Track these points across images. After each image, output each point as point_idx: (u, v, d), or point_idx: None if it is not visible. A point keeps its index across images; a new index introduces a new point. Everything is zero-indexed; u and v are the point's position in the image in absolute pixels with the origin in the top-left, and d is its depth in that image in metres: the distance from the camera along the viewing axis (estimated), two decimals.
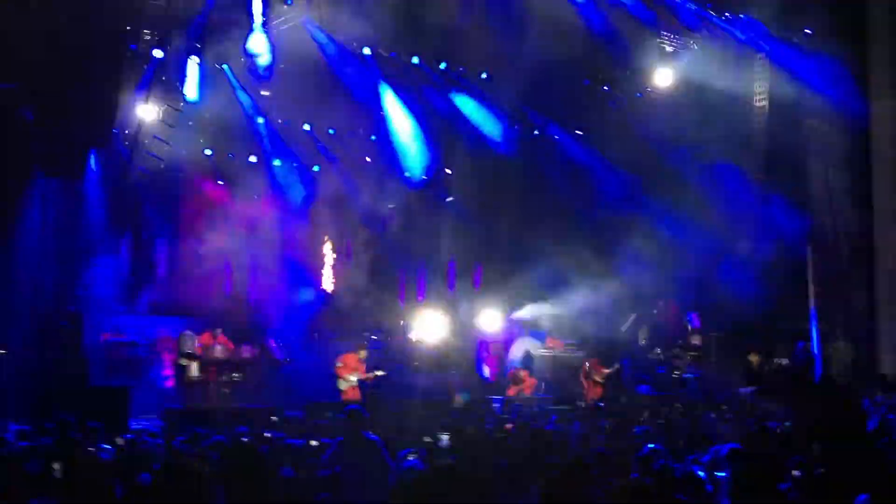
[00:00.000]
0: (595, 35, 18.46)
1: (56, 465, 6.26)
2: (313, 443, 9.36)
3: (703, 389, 17.55)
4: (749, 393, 16.33)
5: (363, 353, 17.02)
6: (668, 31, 19.28)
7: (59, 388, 13.53)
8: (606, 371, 18.10)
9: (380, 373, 16.95)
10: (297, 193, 20.76)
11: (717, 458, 7.62)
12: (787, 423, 10.19)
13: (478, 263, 21.69)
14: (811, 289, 19.01)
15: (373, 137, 21.06)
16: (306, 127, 20.09)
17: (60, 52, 14.87)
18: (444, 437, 9.19)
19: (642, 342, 19.69)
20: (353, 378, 16.57)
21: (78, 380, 14.30)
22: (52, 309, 15.40)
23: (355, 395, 16.30)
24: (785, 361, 17.91)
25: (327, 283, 21.08)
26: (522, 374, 18.13)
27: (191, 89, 17.70)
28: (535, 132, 21.61)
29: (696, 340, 18.99)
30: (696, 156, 19.58)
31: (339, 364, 16.71)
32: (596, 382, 18.05)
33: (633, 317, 18.82)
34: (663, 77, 19.68)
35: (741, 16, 18.82)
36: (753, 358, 17.94)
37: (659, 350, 19.17)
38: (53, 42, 14.75)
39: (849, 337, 18.18)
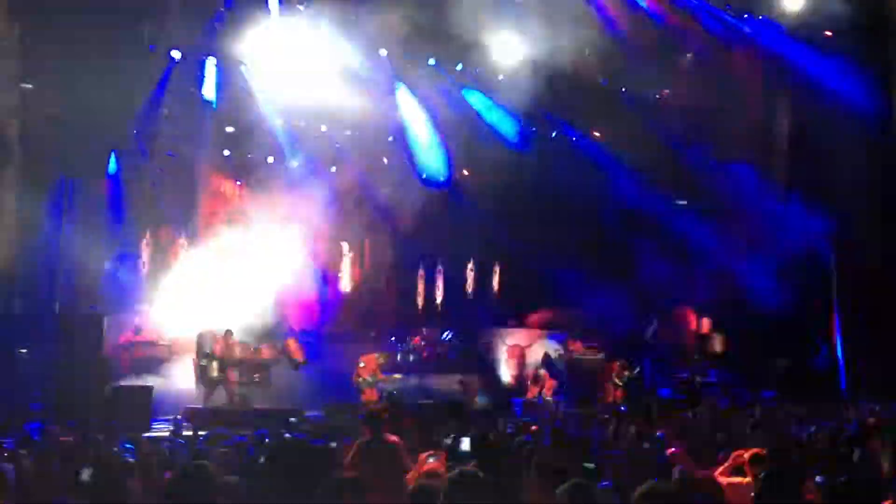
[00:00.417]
0: (613, 36, 18.40)
1: (86, 471, 6.27)
2: (333, 444, 9.35)
3: (725, 393, 17.47)
4: None
5: (382, 359, 17.09)
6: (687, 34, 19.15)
7: (81, 388, 13.58)
8: (627, 374, 18.02)
9: (397, 376, 16.90)
10: (313, 194, 20.76)
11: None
12: (812, 429, 10.12)
13: (496, 264, 21.63)
14: (834, 290, 18.86)
15: (390, 138, 21.05)
16: (323, 128, 20.09)
17: (81, 53, 15.00)
18: (465, 440, 9.15)
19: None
20: (371, 379, 16.62)
21: (99, 380, 14.37)
22: (73, 309, 15.50)
23: (373, 395, 16.34)
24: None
25: (345, 283, 21.10)
26: (543, 374, 18.11)
27: (209, 90, 17.76)
28: (553, 133, 21.55)
29: (717, 347, 18.72)
30: (715, 155, 19.50)
31: (361, 364, 16.80)
32: (616, 385, 17.98)
33: (655, 322, 18.64)
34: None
35: (761, 17, 18.72)
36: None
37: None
38: (73, 43, 14.88)
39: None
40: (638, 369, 18.20)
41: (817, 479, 6.93)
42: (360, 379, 16.58)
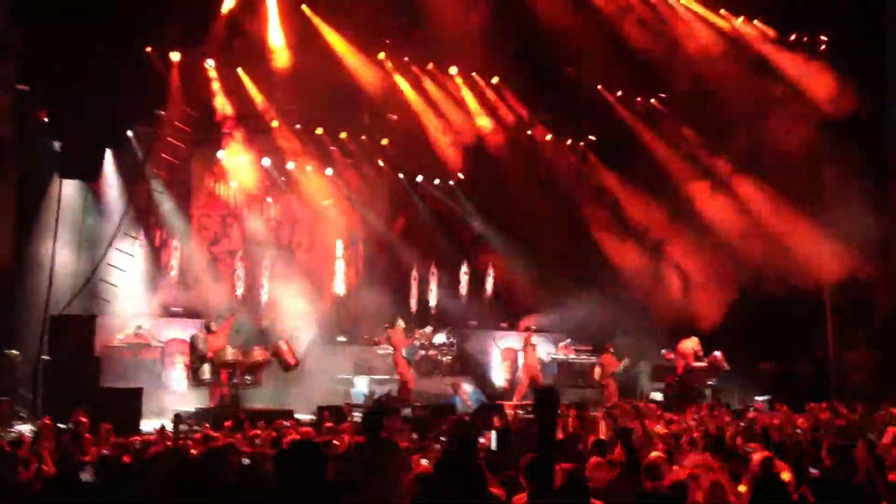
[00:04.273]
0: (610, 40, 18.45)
1: (86, 471, 6.28)
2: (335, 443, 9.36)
3: (719, 397, 17.53)
4: None
5: (400, 322, 17.60)
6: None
7: (73, 389, 13.54)
8: (620, 363, 18.17)
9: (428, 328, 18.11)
10: (309, 196, 20.78)
11: None
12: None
13: (491, 267, 21.66)
14: (828, 295, 18.93)
15: (384, 141, 21.08)
16: (319, 131, 20.11)
17: (77, 54, 14.98)
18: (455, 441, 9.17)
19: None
20: (404, 352, 17.01)
21: (91, 381, 14.33)
22: (65, 310, 15.46)
23: (406, 370, 16.93)
24: None
25: (339, 285, 21.10)
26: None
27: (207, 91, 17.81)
28: (548, 137, 21.60)
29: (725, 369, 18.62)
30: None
31: (388, 346, 17.36)
32: (615, 376, 18.06)
33: (626, 360, 18.63)
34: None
35: (755, 22, 18.80)
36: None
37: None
38: (70, 44, 14.86)
39: (871, 344, 18.06)
40: (628, 360, 18.31)
41: (812, 473, 6.99)
42: (396, 352, 17.03)
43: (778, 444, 9.15)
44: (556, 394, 4.00)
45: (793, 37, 18.80)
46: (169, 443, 9.46)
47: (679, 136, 20.35)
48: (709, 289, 19.03)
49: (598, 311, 19.72)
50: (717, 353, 18.41)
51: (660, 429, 9.68)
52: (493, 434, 8.78)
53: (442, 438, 10.00)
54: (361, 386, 17.69)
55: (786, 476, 7.06)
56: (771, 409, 14.95)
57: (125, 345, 16.63)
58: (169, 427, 10.69)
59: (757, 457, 7.42)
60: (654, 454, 7.27)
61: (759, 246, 18.33)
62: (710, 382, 18.39)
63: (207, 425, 12.39)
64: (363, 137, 20.93)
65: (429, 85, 19.93)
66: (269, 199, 20.64)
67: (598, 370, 18.59)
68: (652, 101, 20.67)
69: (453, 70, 19.95)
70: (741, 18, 19.08)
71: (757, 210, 18.86)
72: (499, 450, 8.76)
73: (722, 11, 18.89)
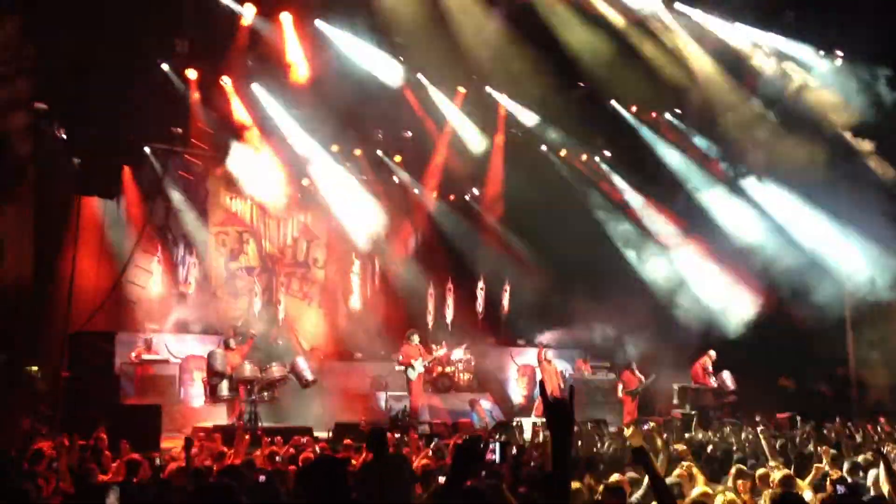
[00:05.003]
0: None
1: (111, 495, 6.28)
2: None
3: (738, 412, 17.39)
4: None
5: (415, 338, 17.42)
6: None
7: (93, 406, 13.59)
8: (643, 380, 18.02)
9: (442, 350, 17.91)
10: (326, 212, 20.85)
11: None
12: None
13: (506, 283, 21.61)
14: (846, 311, 18.75)
15: (398, 158, 21.13)
16: (335, 148, 20.14)
17: (95, 72, 15.10)
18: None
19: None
20: (419, 364, 16.95)
21: (111, 397, 14.38)
22: (85, 327, 15.54)
23: (420, 385, 16.99)
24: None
25: (355, 301, 21.11)
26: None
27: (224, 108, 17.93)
28: (562, 152, 21.58)
29: (730, 389, 18.42)
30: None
31: (400, 358, 17.06)
32: (634, 393, 17.92)
33: (652, 377, 18.44)
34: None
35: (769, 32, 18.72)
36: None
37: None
38: (88, 62, 14.98)
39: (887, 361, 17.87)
40: (653, 377, 18.10)
41: (838, 488, 6.90)
42: (409, 368, 16.97)
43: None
44: (569, 405, 3.86)
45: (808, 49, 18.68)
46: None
47: (694, 148, 20.30)
48: (727, 301, 18.93)
49: (613, 325, 19.64)
50: (725, 374, 18.24)
51: (680, 447, 9.60)
52: (497, 446, 8.72)
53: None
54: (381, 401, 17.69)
55: (807, 495, 6.99)
56: (793, 427, 14.80)
57: (144, 361, 16.66)
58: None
59: (777, 474, 7.35)
60: (675, 472, 7.22)
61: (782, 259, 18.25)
62: (726, 401, 18.18)
63: (221, 440, 12.35)
64: (378, 153, 21.00)
65: (442, 100, 19.94)
66: (285, 216, 20.72)
67: (620, 387, 18.43)
68: (667, 115, 20.60)
69: (462, 89, 19.95)
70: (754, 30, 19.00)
71: (777, 220, 18.78)
72: (502, 461, 8.70)
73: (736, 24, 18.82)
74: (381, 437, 8.19)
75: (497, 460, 8.95)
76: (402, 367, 17.11)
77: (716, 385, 18.21)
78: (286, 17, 17.07)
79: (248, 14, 16.59)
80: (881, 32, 15.81)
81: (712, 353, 18.47)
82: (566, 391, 4.26)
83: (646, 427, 11.57)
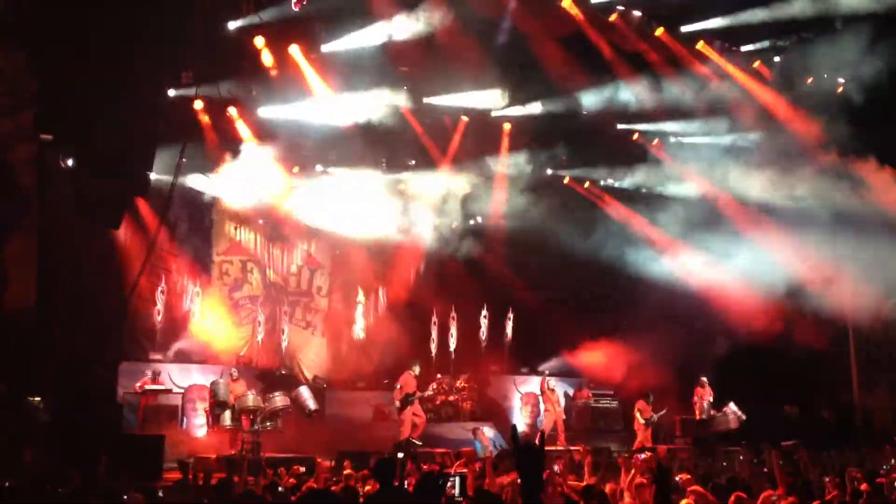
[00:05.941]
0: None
1: None
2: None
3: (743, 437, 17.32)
4: None
5: (416, 369, 17.19)
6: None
7: (94, 435, 13.55)
8: (651, 410, 17.92)
9: (429, 392, 17.67)
10: (329, 240, 20.90)
11: None
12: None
13: (510, 310, 21.59)
14: (851, 336, 18.72)
15: (402, 186, 21.19)
16: (340, 171, 20.15)
17: (100, 101, 15.19)
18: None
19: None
20: (405, 398, 16.65)
21: (112, 427, 14.35)
22: (88, 356, 15.52)
23: (404, 415, 16.60)
24: None
25: (359, 331, 21.08)
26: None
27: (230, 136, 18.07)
28: (567, 177, 21.66)
29: (732, 419, 18.34)
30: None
31: (397, 386, 16.86)
32: (648, 423, 17.80)
33: (664, 411, 18.34)
34: None
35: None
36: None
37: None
38: (94, 91, 15.07)
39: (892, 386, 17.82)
40: (665, 411, 17.98)
41: None
42: (397, 401, 16.68)
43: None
44: (539, 451, 3.89)
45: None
46: None
47: None
48: (726, 330, 18.87)
49: (619, 352, 19.61)
50: (731, 406, 18.11)
51: (684, 476, 9.57)
52: (457, 480, 8.67)
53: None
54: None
55: None
56: (797, 454, 14.70)
57: (147, 391, 16.63)
58: None
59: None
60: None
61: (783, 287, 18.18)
62: (728, 429, 18.07)
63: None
64: (383, 177, 21.07)
65: (446, 125, 20.07)
66: (290, 244, 20.78)
67: (637, 415, 18.24)
68: (672, 139, 20.71)
69: (464, 118, 20.06)
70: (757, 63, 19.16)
71: (780, 252, 18.71)
72: (462, 496, 8.66)
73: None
74: (389, 468, 8.16)
75: (457, 494, 8.93)
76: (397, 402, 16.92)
77: (720, 414, 18.11)
78: (294, 49, 17.26)
79: (258, 42, 16.73)
80: None
81: (703, 379, 18.35)
82: (538, 438, 4.31)
83: (642, 456, 11.53)
